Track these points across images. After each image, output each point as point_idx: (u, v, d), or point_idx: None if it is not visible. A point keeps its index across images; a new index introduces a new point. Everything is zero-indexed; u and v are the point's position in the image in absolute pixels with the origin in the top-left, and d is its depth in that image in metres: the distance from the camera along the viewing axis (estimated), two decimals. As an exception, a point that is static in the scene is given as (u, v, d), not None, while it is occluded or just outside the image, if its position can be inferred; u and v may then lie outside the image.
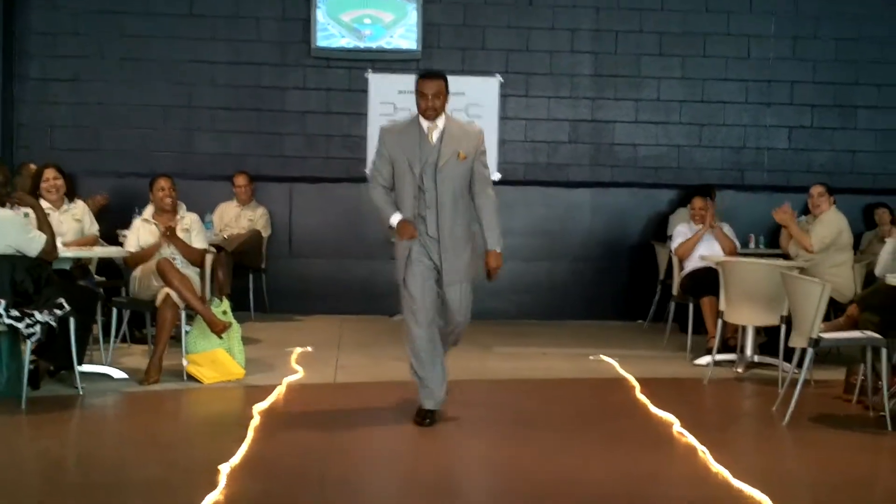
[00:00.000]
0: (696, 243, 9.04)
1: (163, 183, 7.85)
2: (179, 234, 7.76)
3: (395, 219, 6.10)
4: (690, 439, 5.87)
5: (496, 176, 11.01)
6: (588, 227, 11.10)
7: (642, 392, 7.19)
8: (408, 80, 10.95)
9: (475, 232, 6.24)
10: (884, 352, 6.36)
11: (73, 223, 8.00)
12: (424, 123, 6.14)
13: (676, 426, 6.18)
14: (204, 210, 9.82)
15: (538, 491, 4.79)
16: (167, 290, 7.32)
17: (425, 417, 6.14)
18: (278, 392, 6.97)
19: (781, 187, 11.12)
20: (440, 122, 6.15)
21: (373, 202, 6.25)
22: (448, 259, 6.08)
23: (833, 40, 11.27)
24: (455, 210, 6.09)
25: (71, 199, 8.12)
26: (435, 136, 6.11)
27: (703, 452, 5.59)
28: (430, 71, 6.41)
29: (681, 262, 9.15)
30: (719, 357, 7.95)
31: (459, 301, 6.15)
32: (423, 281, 6.07)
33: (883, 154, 11.34)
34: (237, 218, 10.47)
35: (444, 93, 6.09)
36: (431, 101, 6.08)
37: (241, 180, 10.53)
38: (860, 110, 11.35)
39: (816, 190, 8.67)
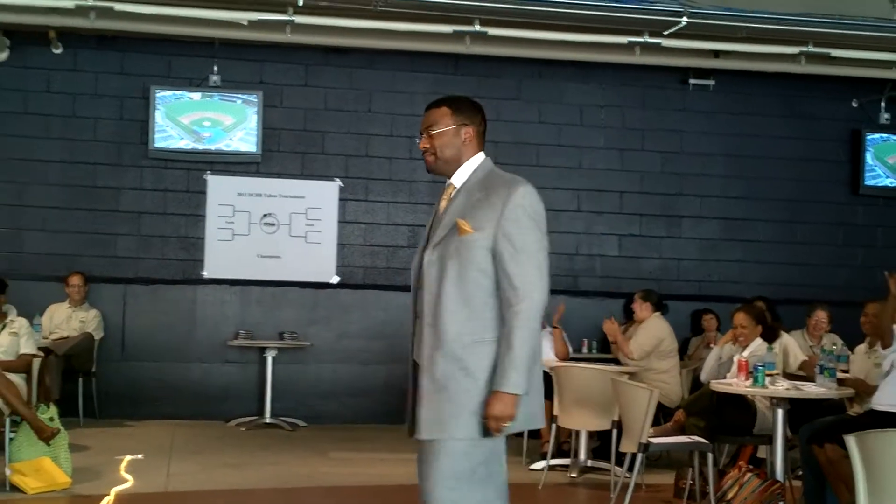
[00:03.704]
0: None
1: None
2: (6, 337, 7.55)
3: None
4: (525, 546, 5.92)
5: (334, 279, 11.07)
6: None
7: (478, 497, 7.20)
8: (247, 183, 11.08)
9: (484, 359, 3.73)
10: (710, 456, 6.59)
11: None
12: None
13: (512, 532, 6.21)
14: (32, 310, 9.54)
15: None
16: (-9, 396, 7.05)
17: None
18: (106, 502, 6.74)
19: (613, 293, 11.46)
20: (458, 176, 3.94)
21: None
22: (421, 397, 3.77)
23: (658, 153, 11.81)
24: (436, 315, 3.74)
25: None
26: (445, 198, 3.95)
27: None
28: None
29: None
30: (554, 461, 8.07)
31: (423, 474, 3.74)
32: None
33: (705, 262, 11.85)
34: (68, 319, 10.19)
35: (447, 125, 3.88)
36: (424, 142, 3.93)
37: (75, 280, 10.27)
38: (684, 220, 11.87)
39: (636, 296, 8.98)
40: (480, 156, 3.95)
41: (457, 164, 3.92)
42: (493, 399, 3.65)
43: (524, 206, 3.79)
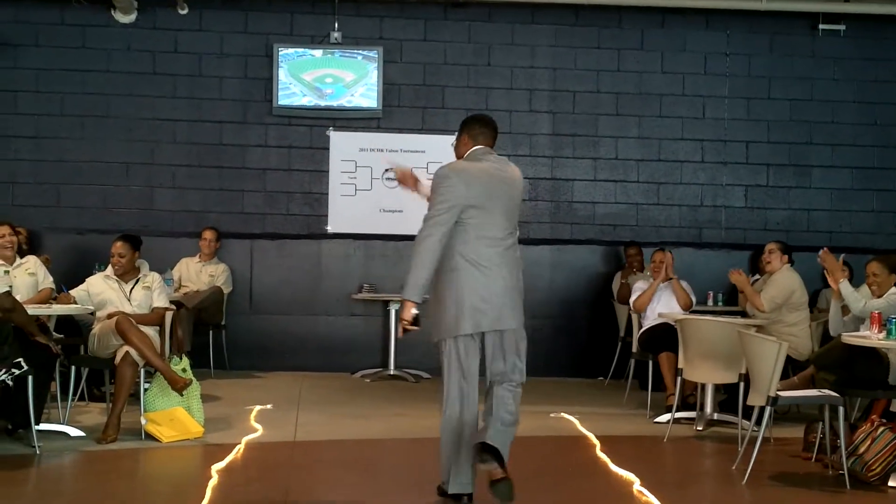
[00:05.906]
0: (653, 295, 9.07)
1: (116, 247, 7.81)
2: (140, 291, 7.76)
3: None
4: (651, 498, 5.88)
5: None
6: (548, 284, 11.15)
7: (603, 450, 7.19)
8: (369, 138, 11.17)
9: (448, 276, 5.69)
10: (841, 410, 6.42)
11: (26, 277, 8.00)
12: None
13: (637, 485, 6.19)
14: (164, 265, 9.81)
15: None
16: (126, 347, 7.25)
17: None
18: (237, 451, 6.91)
19: (739, 245, 11.26)
20: None
21: None
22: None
23: (786, 101, 11.49)
24: None
25: (22, 255, 8.15)
26: None
27: (664, 511, 5.60)
28: None
29: (639, 317, 9.19)
30: (679, 414, 7.98)
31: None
32: None
33: (837, 213, 11.52)
34: (198, 274, 10.47)
35: (456, 137, 5.96)
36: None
37: (208, 234, 10.58)
38: (814, 170, 11.55)
39: (769, 247, 8.76)
40: (472, 149, 5.85)
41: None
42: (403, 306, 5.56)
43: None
